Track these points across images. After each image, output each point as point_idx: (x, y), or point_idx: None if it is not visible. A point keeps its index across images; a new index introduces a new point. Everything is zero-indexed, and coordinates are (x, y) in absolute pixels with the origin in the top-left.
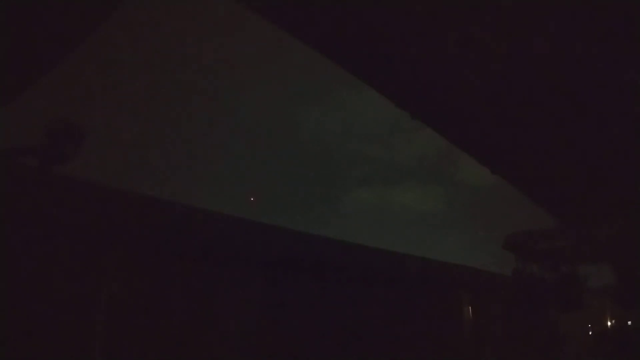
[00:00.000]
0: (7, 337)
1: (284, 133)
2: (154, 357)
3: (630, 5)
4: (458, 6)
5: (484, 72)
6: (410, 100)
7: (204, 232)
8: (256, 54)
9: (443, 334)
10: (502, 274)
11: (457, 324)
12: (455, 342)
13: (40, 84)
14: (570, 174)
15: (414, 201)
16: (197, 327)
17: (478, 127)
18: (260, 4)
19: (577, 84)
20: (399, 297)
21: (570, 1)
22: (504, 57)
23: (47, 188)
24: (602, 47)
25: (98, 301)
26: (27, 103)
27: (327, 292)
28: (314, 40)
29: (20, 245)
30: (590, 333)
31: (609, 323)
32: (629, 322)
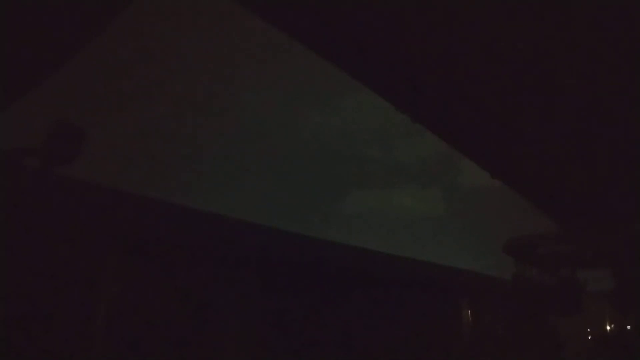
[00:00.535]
0: (7, 337)
1: (284, 135)
2: (154, 357)
3: (631, 6)
4: (460, 11)
5: (485, 76)
6: (411, 103)
7: (204, 233)
8: (257, 56)
9: (441, 338)
10: (501, 278)
11: (456, 328)
12: (453, 346)
13: (41, 85)
14: (571, 178)
15: (413, 204)
16: (196, 327)
17: (478, 131)
18: (261, 5)
19: (580, 88)
20: (397, 300)
21: (573, 5)
22: (505, 61)
23: (47, 188)
24: (605, 52)
25: (98, 301)
26: (28, 103)
27: (324, 295)
28: (314, 43)
29: (20, 245)
30: (589, 337)
31: (608, 327)
32: (629, 327)
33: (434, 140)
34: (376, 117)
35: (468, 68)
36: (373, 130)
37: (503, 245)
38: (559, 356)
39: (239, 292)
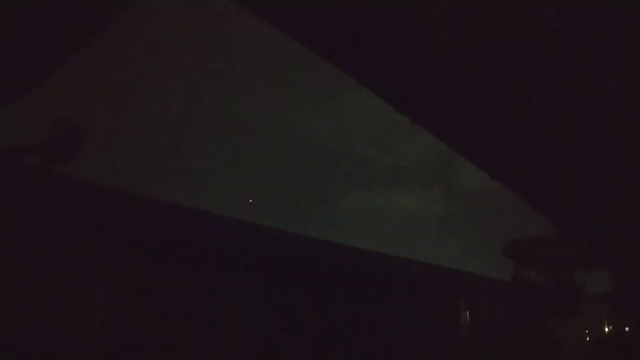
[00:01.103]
0: (7, 337)
1: (284, 135)
2: (153, 357)
3: (632, 7)
4: (458, 11)
5: (483, 78)
6: (410, 104)
7: (203, 233)
8: (256, 56)
9: (440, 339)
10: (500, 280)
11: (455, 329)
12: (452, 347)
13: (41, 85)
14: (570, 180)
15: (412, 204)
16: (195, 327)
17: (477, 132)
18: (260, 6)
19: (578, 90)
20: (396, 300)
21: (572, 5)
22: (505, 64)
23: (47, 188)
24: (603, 52)
25: (97, 301)
26: (29, 103)
27: (324, 294)
28: (314, 43)
29: (20, 245)
30: (587, 339)
31: (606, 329)
32: (626, 328)
33: (433, 141)
34: (376, 118)
35: (468, 70)
36: (373, 131)
37: (502, 246)
38: (557, 357)
39: (239, 291)
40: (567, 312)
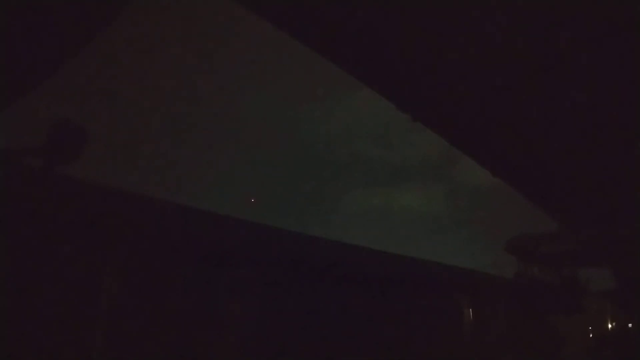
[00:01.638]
0: (7, 337)
1: (285, 133)
2: (154, 358)
3: (632, 8)
4: (460, 11)
5: (485, 75)
6: (411, 102)
7: (204, 233)
8: (256, 55)
9: (442, 337)
10: (503, 277)
11: (457, 327)
12: (455, 345)
13: (43, 85)
14: (572, 177)
15: (414, 202)
16: (197, 327)
17: (479, 130)
18: (261, 5)
19: (580, 87)
20: (398, 299)
21: (575, 5)
22: (506, 60)
23: (48, 188)
24: (604, 50)
25: (98, 301)
26: (29, 103)
27: (326, 294)
28: (314, 42)
29: (20, 245)
30: (590, 336)
31: (609, 326)
32: (630, 325)
33: (435, 139)
34: (378, 117)
35: (469, 67)
36: (375, 130)
37: (505, 243)
38: (560, 354)
39: (239, 291)
40: (571, 308)
